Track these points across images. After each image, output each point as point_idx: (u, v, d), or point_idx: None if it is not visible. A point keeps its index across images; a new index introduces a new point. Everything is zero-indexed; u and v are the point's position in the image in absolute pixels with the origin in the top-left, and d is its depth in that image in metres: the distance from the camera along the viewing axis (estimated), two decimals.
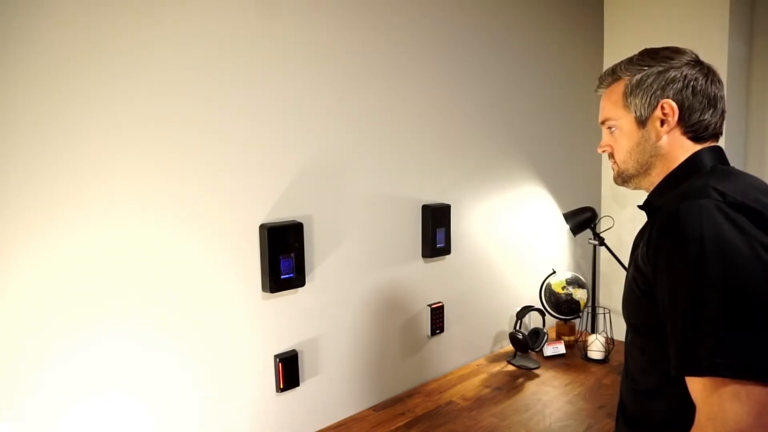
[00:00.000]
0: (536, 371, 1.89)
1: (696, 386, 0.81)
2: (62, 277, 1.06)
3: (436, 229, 1.78)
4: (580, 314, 2.15)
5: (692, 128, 0.97)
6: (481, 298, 2.04)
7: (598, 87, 1.09)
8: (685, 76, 0.96)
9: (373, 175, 1.61)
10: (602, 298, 2.65)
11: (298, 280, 1.41)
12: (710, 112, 0.97)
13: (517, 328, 1.95)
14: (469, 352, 2.01)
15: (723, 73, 2.19)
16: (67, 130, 1.05)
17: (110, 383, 1.14)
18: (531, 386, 1.78)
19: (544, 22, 2.21)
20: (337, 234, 1.53)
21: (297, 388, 1.47)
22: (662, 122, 0.97)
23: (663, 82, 0.96)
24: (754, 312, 0.77)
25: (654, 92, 0.97)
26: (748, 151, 2.45)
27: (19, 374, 1.02)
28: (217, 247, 1.28)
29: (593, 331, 2.28)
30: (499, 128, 2.04)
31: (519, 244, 2.19)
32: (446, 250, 1.84)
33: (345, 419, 1.58)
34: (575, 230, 2.26)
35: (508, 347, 2.11)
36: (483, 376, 1.87)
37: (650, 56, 1.00)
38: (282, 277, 1.37)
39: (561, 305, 2.13)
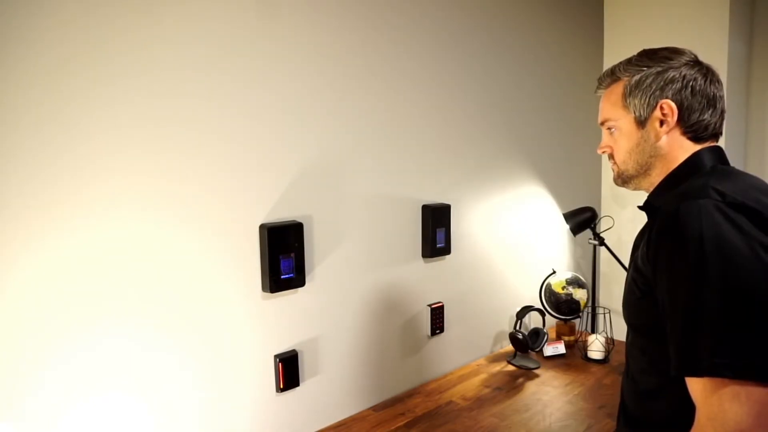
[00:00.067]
0: (536, 371, 1.89)
1: (696, 387, 0.81)
2: (62, 277, 1.06)
3: (436, 229, 1.78)
4: (580, 314, 2.15)
5: (692, 128, 0.97)
6: (481, 298, 2.04)
7: (598, 88, 1.09)
8: (684, 77, 0.96)
9: (373, 175, 1.61)
10: (602, 298, 2.65)
11: (298, 280, 1.41)
12: (710, 112, 0.97)
13: (517, 328, 1.95)
14: (469, 352, 2.01)
15: (723, 73, 2.19)
16: (67, 130, 1.05)
17: (110, 383, 1.14)
18: (531, 386, 1.78)
19: (544, 22, 2.21)
20: (337, 234, 1.53)
21: (297, 388, 1.47)
22: (661, 122, 0.97)
23: (662, 83, 0.97)
24: (753, 312, 0.77)
25: (653, 92, 0.97)
26: (748, 151, 2.45)
27: (19, 374, 1.02)
28: (217, 247, 1.29)
29: (593, 331, 2.28)
30: (499, 128, 2.04)
31: (519, 244, 2.19)
32: (446, 250, 1.84)
33: (345, 419, 1.59)
34: (575, 230, 2.26)
35: (508, 347, 2.11)
36: (483, 376, 1.87)
37: (649, 57, 1.00)
38: (282, 277, 1.37)
39: (561, 305, 2.13)
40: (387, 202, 1.66)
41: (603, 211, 2.65)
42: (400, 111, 1.67)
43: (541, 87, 2.22)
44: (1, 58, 0.97)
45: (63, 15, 1.03)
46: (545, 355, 2.02)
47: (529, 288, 2.24)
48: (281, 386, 1.42)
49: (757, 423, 0.74)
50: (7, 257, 1.00)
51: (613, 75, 1.04)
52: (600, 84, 1.08)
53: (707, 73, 0.98)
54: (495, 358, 2.03)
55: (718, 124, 0.99)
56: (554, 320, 2.26)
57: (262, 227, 1.35)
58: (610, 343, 1.99)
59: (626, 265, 1.69)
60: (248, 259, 1.34)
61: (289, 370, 1.43)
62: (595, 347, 1.97)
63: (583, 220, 2.25)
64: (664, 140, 0.98)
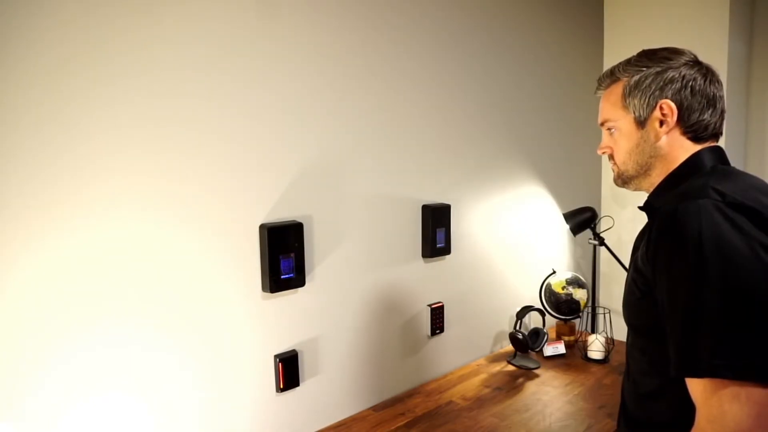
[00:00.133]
0: (536, 371, 1.89)
1: (696, 387, 0.81)
2: (62, 277, 1.06)
3: (436, 229, 1.78)
4: (580, 314, 2.15)
5: (691, 128, 0.97)
6: (481, 298, 2.04)
7: (597, 89, 1.09)
8: (684, 77, 0.96)
9: (373, 175, 1.61)
10: (602, 298, 2.65)
11: (298, 280, 1.41)
12: (709, 111, 0.96)
13: (517, 328, 1.95)
14: (469, 352, 2.01)
15: (723, 73, 2.19)
16: (67, 130, 1.05)
17: (110, 383, 1.14)
18: (531, 386, 1.78)
19: (544, 22, 2.21)
20: (337, 234, 1.53)
21: (297, 388, 1.47)
22: (661, 123, 0.97)
23: (661, 83, 0.96)
24: (753, 312, 0.77)
25: (652, 93, 0.97)
26: (748, 151, 2.45)
27: (19, 374, 1.02)
28: (217, 247, 1.29)
29: (593, 331, 2.28)
30: (499, 128, 2.04)
31: (519, 244, 2.19)
32: (446, 250, 1.84)
33: (345, 419, 1.59)
34: (575, 230, 2.26)
35: (508, 347, 2.11)
36: (483, 376, 1.87)
37: (648, 57, 1.00)
38: (282, 277, 1.37)
39: (561, 305, 2.13)
40: (387, 202, 1.66)
41: (603, 211, 2.65)
42: (400, 111, 1.67)
43: (541, 87, 2.22)
44: (1, 58, 0.97)
45: (63, 15, 1.03)
46: (545, 355, 2.02)
47: (529, 288, 2.24)
48: (281, 386, 1.42)
49: (757, 424, 0.74)
50: (7, 257, 1.00)
51: (612, 75, 1.04)
52: (600, 85, 1.08)
53: (707, 73, 0.98)
54: (495, 358, 2.03)
55: (718, 124, 0.99)
56: (554, 320, 2.26)
57: (262, 227, 1.35)
58: (610, 343, 1.99)
59: (626, 265, 1.69)
60: (248, 259, 1.34)
61: (289, 370, 1.43)
62: (595, 347, 1.97)
63: (583, 220, 2.25)
64: (663, 140, 0.98)
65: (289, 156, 1.40)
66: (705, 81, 0.97)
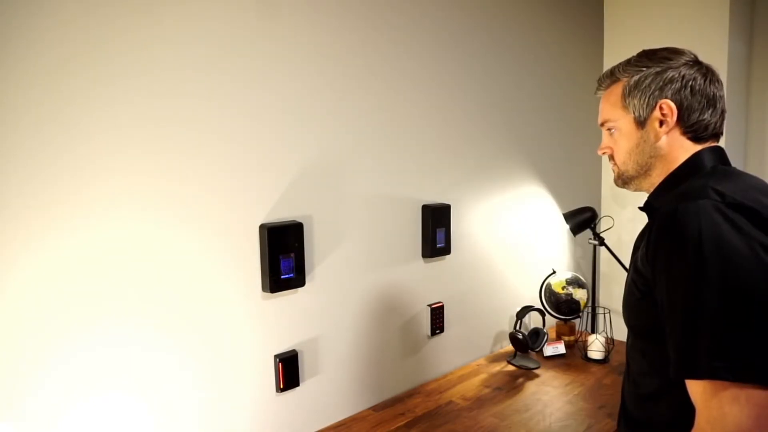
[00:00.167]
0: (536, 371, 1.89)
1: (695, 389, 0.80)
2: (62, 277, 1.06)
3: (436, 229, 1.78)
4: (580, 314, 2.15)
5: (692, 128, 0.96)
6: (481, 298, 2.04)
7: (597, 89, 1.09)
8: (683, 76, 0.96)
9: (373, 175, 1.61)
10: (602, 298, 2.65)
11: (298, 280, 1.41)
12: (709, 111, 0.96)
13: (517, 328, 1.95)
14: (469, 352, 2.01)
15: (723, 73, 2.19)
16: (67, 130, 1.05)
17: (110, 383, 1.14)
18: (531, 386, 1.78)
19: (544, 22, 2.21)
20: (337, 234, 1.53)
21: (297, 388, 1.47)
22: (661, 123, 0.97)
23: (661, 83, 0.96)
24: (753, 313, 0.76)
25: (652, 93, 0.97)
26: (748, 151, 2.45)
27: (19, 374, 1.02)
28: (217, 247, 1.29)
29: (593, 331, 2.28)
30: (499, 128, 2.04)
31: (519, 244, 2.19)
32: (446, 250, 1.84)
33: (345, 419, 1.59)
34: (575, 230, 2.26)
35: (508, 347, 2.11)
36: (483, 376, 1.87)
37: (648, 57, 1.00)
38: (282, 277, 1.37)
39: (561, 305, 2.13)
40: (387, 202, 1.66)
41: (603, 211, 2.65)
42: (400, 111, 1.67)
43: (541, 87, 2.22)
44: (1, 58, 0.97)
45: (63, 15, 1.03)
46: (545, 355, 2.02)
47: (529, 288, 2.24)
48: (281, 386, 1.42)
49: (757, 425, 0.73)
50: (7, 257, 1.00)
51: (612, 76, 1.04)
52: (600, 85, 1.08)
53: (707, 72, 0.98)
54: (495, 358, 2.03)
55: (718, 124, 0.98)
56: (554, 320, 2.26)
57: (262, 227, 1.35)
58: (610, 343, 1.99)
59: (626, 265, 1.69)
60: (248, 259, 1.34)
61: (289, 370, 1.43)
62: (595, 347, 1.97)
63: (583, 220, 2.25)
64: (663, 140, 0.98)
65: (289, 156, 1.40)
66: (705, 81, 0.96)
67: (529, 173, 2.21)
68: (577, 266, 2.52)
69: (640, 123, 0.99)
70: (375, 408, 1.65)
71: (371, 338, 1.66)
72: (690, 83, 0.95)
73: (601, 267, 2.57)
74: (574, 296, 2.13)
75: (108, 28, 1.09)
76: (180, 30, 1.19)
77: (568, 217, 2.26)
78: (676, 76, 0.96)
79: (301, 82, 1.41)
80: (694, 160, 0.97)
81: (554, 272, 2.20)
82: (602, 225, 2.44)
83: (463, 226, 1.92)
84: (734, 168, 0.97)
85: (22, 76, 0.99)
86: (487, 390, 1.75)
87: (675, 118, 0.96)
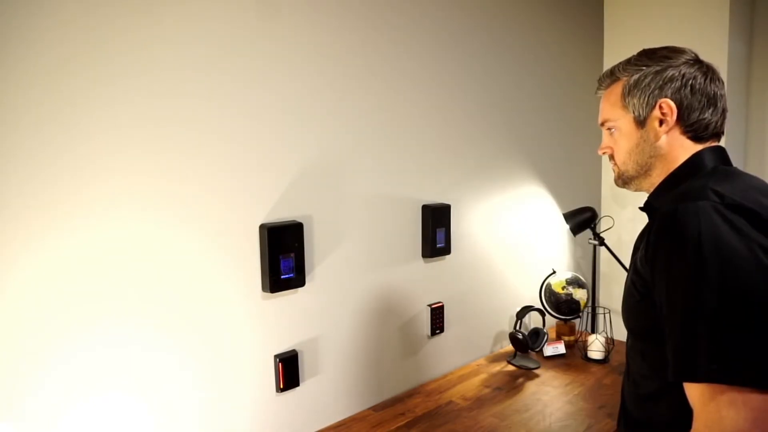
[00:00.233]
0: (536, 371, 1.89)
1: (693, 392, 0.80)
2: (62, 277, 1.06)
3: (436, 229, 1.78)
4: (580, 314, 2.15)
5: (692, 128, 0.96)
6: (481, 298, 2.04)
7: (598, 89, 1.08)
8: (683, 75, 0.95)
9: (373, 175, 1.61)
10: (602, 298, 2.65)
11: (298, 280, 1.41)
12: (710, 111, 0.96)
13: (517, 328, 1.95)
14: (469, 352, 2.01)
15: (723, 73, 2.18)
16: (67, 130, 1.05)
17: (110, 383, 1.14)
18: (531, 386, 1.78)
19: (544, 22, 2.21)
20: (337, 234, 1.53)
21: (297, 388, 1.47)
22: (661, 122, 0.96)
23: (661, 82, 0.96)
24: (751, 315, 0.76)
25: (652, 92, 0.96)
26: (748, 151, 2.45)
27: (19, 374, 1.02)
28: (217, 247, 1.29)
29: (593, 331, 2.28)
30: (499, 128, 2.04)
31: (519, 244, 2.19)
32: (446, 250, 1.84)
33: (345, 419, 1.59)
34: (575, 230, 2.26)
35: (508, 347, 2.11)
36: (483, 376, 1.87)
37: (648, 56, 0.99)
38: (282, 277, 1.37)
39: (561, 305, 2.13)
40: (387, 202, 1.66)
41: (603, 211, 2.65)
42: (400, 111, 1.67)
43: (541, 87, 2.22)
44: (1, 58, 0.97)
45: (63, 15, 1.03)
46: (545, 355, 2.02)
47: (529, 288, 2.24)
48: (281, 386, 1.42)
49: (754, 429, 0.73)
50: (7, 257, 1.00)
51: (612, 75, 1.03)
52: (600, 85, 1.07)
53: (707, 71, 0.97)
54: (495, 358, 2.03)
55: (719, 123, 0.98)
56: (554, 320, 2.26)
57: (262, 227, 1.35)
58: (610, 343, 1.99)
59: (626, 265, 1.69)
60: (248, 259, 1.34)
61: (289, 370, 1.43)
62: (595, 347, 1.97)
63: (583, 220, 2.25)
64: (663, 140, 0.97)
65: (289, 156, 1.40)
66: (705, 79, 0.96)
67: (529, 173, 2.21)
68: (577, 266, 2.52)
69: (640, 122, 0.98)
70: (375, 408, 1.65)
71: (371, 338, 1.66)
72: (690, 82, 0.95)
73: (601, 267, 2.57)
74: (574, 296, 2.13)
75: (108, 28, 1.09)
76: (180, 30, 1.19)
77: (568, 217, 2.26)
78: (676, 74, 0.95)
79: (301, 82, 1.41)
80: (694, 160, 0.96)
81: (554, 272, 2.20)
82: (602, 225, 2.44)
83: (463, 226, 1.92)
84: (735, 168, 0.97)
85: (22, 76, 0.99)
86: (487, 390, 1.75)
87: (675, 117, 0.95)
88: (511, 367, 1.94)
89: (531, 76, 2.17)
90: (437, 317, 1.84)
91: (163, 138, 1.18)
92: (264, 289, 1.37)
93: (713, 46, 2.23)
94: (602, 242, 2.27)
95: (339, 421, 1.57)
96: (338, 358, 1.57)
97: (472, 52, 1.90)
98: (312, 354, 1.50)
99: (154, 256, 1.18)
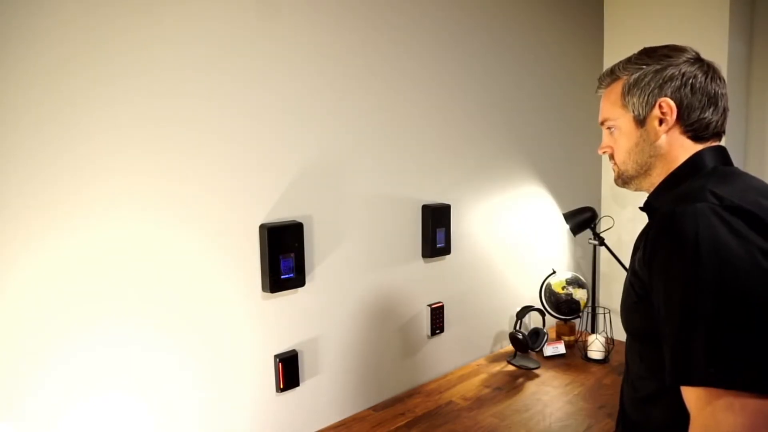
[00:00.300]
0: (536, 371, 1.89)
1: (690, 396, 0.79)
2: (62, 277, 1.06)
3: (436, 229, 1.78)
4: (580, 314, 2.15)
5: (692, 127, 0.95)
6: (481, 298, 2.04)
7: (598, 88, 1.08)
8: (684, 74, 0.94)
9: (373, 175, 1.61)
10: (602, 298, 2.65)
11: (298, 280, 1.41)
12: (710, 110, 0.95)
13: (517, 328, 1.95)
14: (469, 352, 2.01)
15: (723, 73, 2.19)
16: (67, 130, 1.05)
17: (110, 383, 1.14)
18: (531, 386, 1.78)
19: (544, 22, 2.21)
20: (337, 234, 1.53)
21: (297, 388, 1.47)
22: (660, 121, 0.96)
23: (660, 81, 0.95)
24: (749, 318, 0.75)
25: (651, 91, 0.95)
26: (748, 151, 2.45)
27: (19, 374, 1.02)
28: (217, 247, 1.29)
29: (593, 331, 2.28)
30: (499, 128, 2.04)
31: (519, 244, 2.19)
32: (446, 250, 1.84)
33: (345, 419, 1.58)
34: (575, 230, 2.26)
35: (508, 347, 2.11)
36: (483, 376, 1.87)
37: (648, 55, 0.98)
38: (282, 277, 1.37)
39: (561, 305, 2.13)
40: (387, 202, 1.66)
41: (603, 211, 2.65)
42: (400, 111, 1.67)
43: (541, 87, 2.22)
44: (1, 58, 0.97)
45: (63, 15, 1.03)
46: (545, 355, 2.02)
47: (529, 288, 2.24)
48: (281, 386, 1.42)
49: None
50: (7, 257, 1.00)
51: (612, 74, 1.03)
52: (600, 83, 1.07)
53: (708, 70, 0.96)
54: (495, 358, 2.03)
55: (719, 123, 0.97)
56: (554, 320, 2.26)
57: (262, 227, 1.35)
58: (610, 343, 1.99)
59: (626, 265, 1.69)
60: (248, 259, 1.34)
61: (289, 370, 1.43)
62: (595, 347, 1.97)
63: (583, 220, 2.25)
64: (663, 140, 0.96)
65: (289, 156, 1.40)
66: (706, 78, 0.95)
67: (529, 173, 2.21)
68: (577, 266, 2.52)
69: (640, 122, 0.98)
70: (375, 408, 1.65)
71: (371, 338, 1.66)
72: (690, 81, 0.94)
73: (601, 267, 2.57)
74: (574, 296, 2.13)
75: (108, 28, 1.09)
76: (180, 30, 1.19)
77: (568, 217, 2.26)
78: (676, 73, 0.94)
79: (301, 82, 1.41)
80: (694, 160, 0.95)
81: (554, 272, 2.20)
82: (602, 225, 2.44)
83: (463, 226, 1.92)
84: (735, 168, 0.96)
85: (22, 76, 0.99)
86: (487, 390, 1.75)
87: (674, 116, 0.94)
88: (511, 367, 1.94)
89: (531, 76, 2.17)
90: (437, 317, 1.84)
91: (163, 138, 1.18)
92: (264, 289, 1.37)
93: (713, 46, 2.23)
94: (602, 242, 2.27)
95: (339, 421, 1.57)
96: (338, 358, 1.57)
97: (472, 52, 1.90)
98: (312, 354, 1.50)
99: (154, 256, 1.18)
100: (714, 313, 0.76)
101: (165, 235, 1.20)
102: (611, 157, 1.06)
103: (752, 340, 0.75)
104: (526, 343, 1.91)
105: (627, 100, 0.99)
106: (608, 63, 2.55)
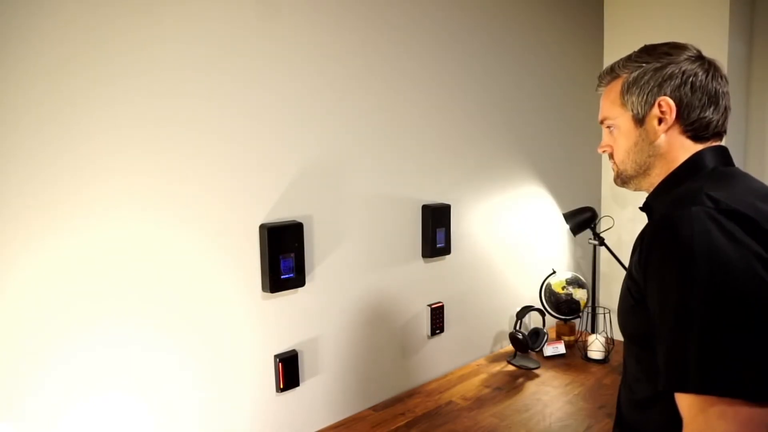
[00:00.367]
0: (536, 371, 1.89)
1: (683, 402, 0.78)
2: (62, 277, 1.06)
3: (436, 229, 1.78)
4: (580, 314, 2.15)
5: (692, 127, 0.93)
6: (481, 298, 2.04)
7: (598, 86, 1.06)
8: (684, 72, 0.92)
9: (373, 175, 1.61)
10: (602, 298, 2.65)
11: (298, 280, 1.41)
12: (711, 109, 0.93)
13: (517, 328, 1.95)
14: (469, 352, 2.01)
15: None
16: (67, 130, 1.05)
17: (110, 383, 1.14)
18: (531, 386, 1.78)
19: (544, 22, 2.21)
20: (337, 234, 1.53)
21: (297, 388, 1.47)
22: (660, 121, 0.94)
23: (660, 79, 0.93)
24: (743, 325, 0.74)
25: (651, 89, 0.94)
26: (748, 151, 2.45)
27: (19, 374, 1.02)
28: (217, 247, 1.29)
29: (593, 331, 2.28)
30: (499, 128, 2.04)
31: (519, 244, 2.19)
32: (446, 250, 1.84)
33: (345, 419, 1.58)
34: (575, 230, 2.26)
35: (508, 347, 2.10)
36: (483, 376, 1.87)
37: (648, 53, 0.97)
38: (282, 277, 1.37)
39: (561, 305, 2.13)
40: (387, 202, 1.66)
41: (603, 211, 2.65)
42: (400, 111, 1.67)
43: (541, 87, 2.22)
44: (1, 58, 0.97)
45: (63, 15, 1.03)
46: (545, 355, 2.02)
47: (529, 288, 2.24)
48: (281, 386, 1.42)
49: None
50: (7, 257, 1.00)
51: (612, 72, 1.01)
52: (600, 82, 1.05)
53: (709, 68, 0.94)
54: (495, 358, 2.03)
55: (720, 122, 0.95)
56: (554, 320, 2.26)
57: (262, 227, 1.35)
58: (610, 343, 1.99)
59: (626, 265, 1.69)
60: (248, 259, 1.34)
61: (289, 370, 1.43)
62: (595, 347, 1.97)
63: (583, 220, 2.25)
64: (663, 139, 0.95)
65: (289, 156, 1.41)
66: (707, 76, 0.93)
67: (529, 173, 2.21)
68: (577, 266, 2.52)
69: (639, 121, 0.96)
70: (375, 408, 1.65)
71: (371, 338, 1.66)
72: (690, 79, 0.92)
73: (601, 267, 2.57)
74: (574, 296, 2.13)
75: (108, 28, 1.09)
76: (180, 30, 1.19)
77: (568, 217, 2.26)
78: (676, 72, 0.93)
79: (301, 82, 1.41)
80: (694, 160, 0.94)
81: (554, 272, 2.20)
82: (602, 225, 2.44)
83: (463, 226, 1.92)
84: (735, 169, 0.95)
85: (22, 76, 0.99)
86: (487, 390, 1.75)
87: (674, 116, 0.93)
88: (511, 367, 1.94)
89: (531, 76, 2.17)
90: (437, 317, 1.84)
91: (163, 138, 1.18)
92: (264, 289, 1.37)
93: (713, 46, 2.23)
94: (602, 242, 2.27)
95: (339, 421, 1.57)
96: (338, 358, 1.57)
97: (472, 52, 1.90)
98: (312, 354, 1.50)
99: (154, 256, 1.18)
100: (707, 319, 0.75)
101: (165, 235, 1.20)
102: (611, 156, 1.05)
103: (746, 347, 0.73)
104: (526, 343, 1.91)
105: (626, 98, 0.97)
106: (608, 63, 2.54)
